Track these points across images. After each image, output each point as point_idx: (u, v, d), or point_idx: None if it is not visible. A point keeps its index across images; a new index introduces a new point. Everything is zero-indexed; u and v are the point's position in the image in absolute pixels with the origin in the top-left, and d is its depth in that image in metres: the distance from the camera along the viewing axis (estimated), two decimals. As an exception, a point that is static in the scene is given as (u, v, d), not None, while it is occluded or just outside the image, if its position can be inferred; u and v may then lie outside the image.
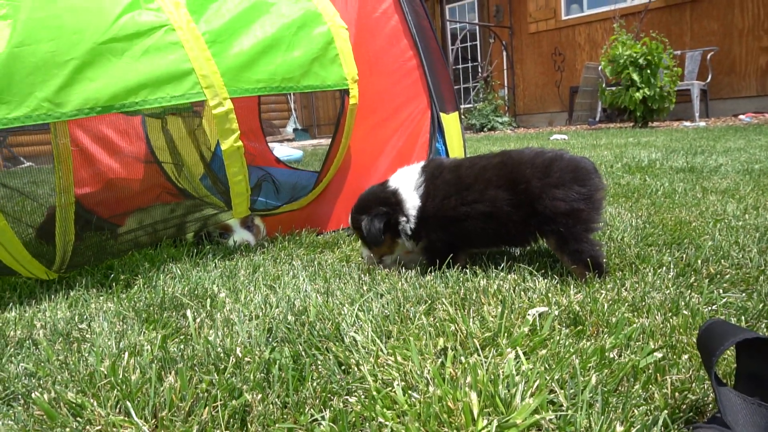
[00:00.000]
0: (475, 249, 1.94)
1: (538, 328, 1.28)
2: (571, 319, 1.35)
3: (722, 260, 1.69)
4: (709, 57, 10.30)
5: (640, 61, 9.14)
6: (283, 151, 6.74)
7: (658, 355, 1.08)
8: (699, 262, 1.68)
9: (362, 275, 1.82)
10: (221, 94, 2.06)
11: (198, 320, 1.49)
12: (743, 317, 1.28)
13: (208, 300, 1.67)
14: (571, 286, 1.55)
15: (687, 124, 9.68)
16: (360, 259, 2.13)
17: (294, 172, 3.69)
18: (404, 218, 1.81)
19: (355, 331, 1.34)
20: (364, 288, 1.67)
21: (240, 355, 1.22)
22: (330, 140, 2.67)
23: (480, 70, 14.47)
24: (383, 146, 2.54)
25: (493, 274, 1.70)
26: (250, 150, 3.85)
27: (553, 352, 1.16)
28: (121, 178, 2.62)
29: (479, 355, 1.17)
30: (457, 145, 2.59)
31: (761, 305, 1.33)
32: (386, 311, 1.46)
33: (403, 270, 1.83)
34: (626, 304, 1.39)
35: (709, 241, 1.89)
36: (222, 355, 1.24)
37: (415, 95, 2.49)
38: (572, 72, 12.91)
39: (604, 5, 12.25)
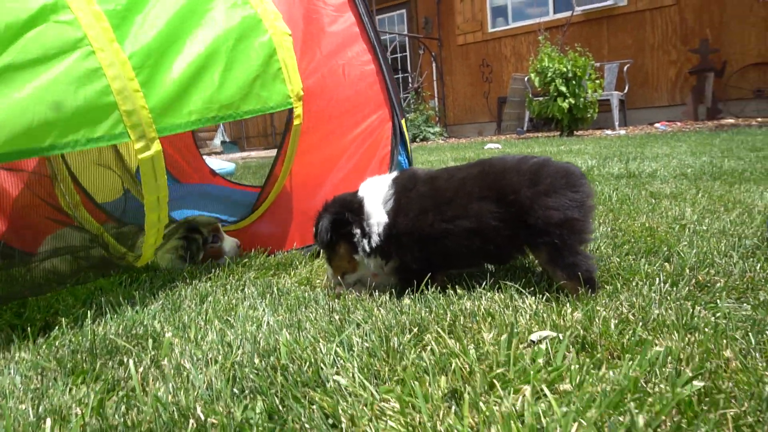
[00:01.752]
0: (455, 269, 1.77)
1: (550, 357, 1.13)
2: (579, 343, 1.21)
3: (708, 268, 1.63)
4: (625, 69, 10.89)
5: (569, 74, 9.50)
6: (216, 163, 6.36)
7: (699, 384, 0.95)
8: (687, 270, 1.61)
9: (330, 302, 1.61)
10: (148, 134, 1.70)
11: (141, 369, 1.22)
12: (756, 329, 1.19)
13: (150, 341, 1.40)
14: (567, 305, 1.42)
15: (608, 132, 10.14)
16: (320, 281, 1.92)
17: (233, 189, 3.40)
18: (359, 230, 1.64)
19: (337, 373, 1.13)
20: (336, 317, 1.46)
21: (202, 416, 0.98)
22: (275, 153, 2.43)
23: (410, 80, 14.57)
24: (337, 159, 2.33)
25: (476, 294, 1.54)
26: (186, 168, 3.54)
27: (578, 386, 1.00)
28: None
29: (490, 396, 1.00)
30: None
31: (770, 317, 1.25)
32: (366, 343, 1.26)
33: (376, 293, 1.63)
34: (639, 324, 1.27)
35: (687, 248, 1.83)
36: (177, 417, 0.99)
37: (374, 103, 2.30)
38: (500, 83, 13.25)
39: (527, 19, 12.71)
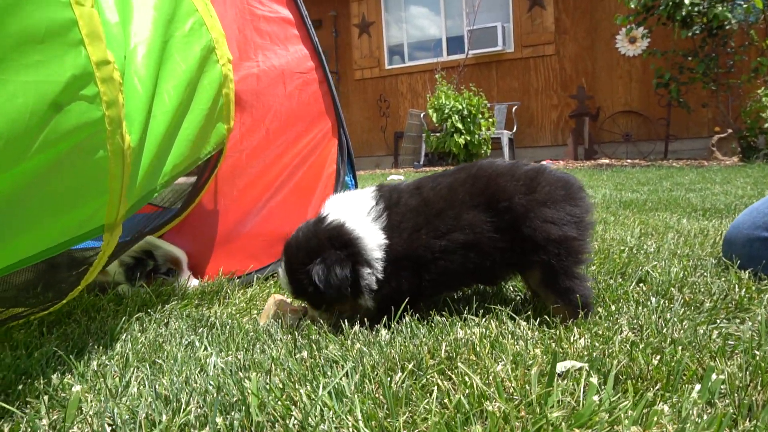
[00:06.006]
0: (440, 294, 1.52)
1: (600, 393, 0.93)
2: (605, 373, 1.03)
3: (688, 288, 1.56)
4: (513, 110, 11.61)
5: (464, 112, 9.90)
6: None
7: (791, 416, 0.80)
8: (673, 290, 1.52)
9: (286, 334, 1.31)
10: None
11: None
12: None
13: (45, 399, 1.00)
14: (575, 330, 1.25)
15: (501, 168, 10.65)
16: (257, 312, 1.59)
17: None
18: (368, 269, 1.32)
19: (336, 428, 0.84)
20: (304, 355, 1.16)
21: None
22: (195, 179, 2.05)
23: (308, 112, 14.39)
24: (275, 178, 2.02)
25: (466, 320, 1.33)
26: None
27: (646, 426, 0.81)
28: None
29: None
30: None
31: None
32: (364, 386, 0.98)
33: (346, 323, 1.35)
34: (667, 348, 1.12)
35: (655, 269, 1.77)
36: None
37: (317, 116, 2.02)
38: (396, 118, 13.52)
39: (422, 59, 13.18)
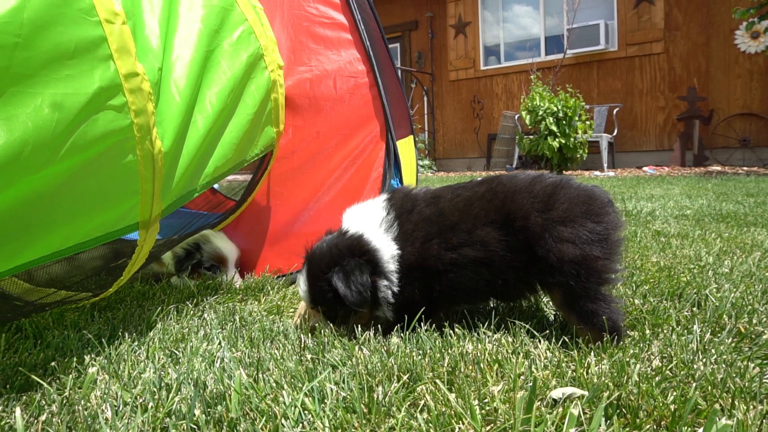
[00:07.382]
0: (457, 306, 1.50)
1: (582, 423, 0.87)
2: (613, 404, 0.95)
3: (748, 316, 1.39)
4: (614, 112, 10.94)
5: (559, 114, 9.50)
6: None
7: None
8: (726, 318, 1.37)
9: (301, 336, 1.34)
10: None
11: (44, 416, 0.93)
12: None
13: (72, 376, 1.11)
14: (592, 353, 1.16)
15: (597, 173, 10.09)
16: (293, 310, 1.64)
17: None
18: (385, 281, 1.33)
19: (304, 433, 0.86)
20: (308, 356, 1.19)
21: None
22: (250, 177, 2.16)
23: (401, 113, 14.52)
24: (324, 180, 2.08)
25: (479, 335, 1.28)
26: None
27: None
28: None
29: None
30: (409, 173, 2.20)
31: None
32: (343, 393, 0.99)
33: (359, 329, 1.36)
34: (685, 383, 1.02)
35: (717, 292, 1.60)
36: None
37: (366, 119, 2.06)
38: (490, 120, 13.26)
39: (519, 59, 12.81)
